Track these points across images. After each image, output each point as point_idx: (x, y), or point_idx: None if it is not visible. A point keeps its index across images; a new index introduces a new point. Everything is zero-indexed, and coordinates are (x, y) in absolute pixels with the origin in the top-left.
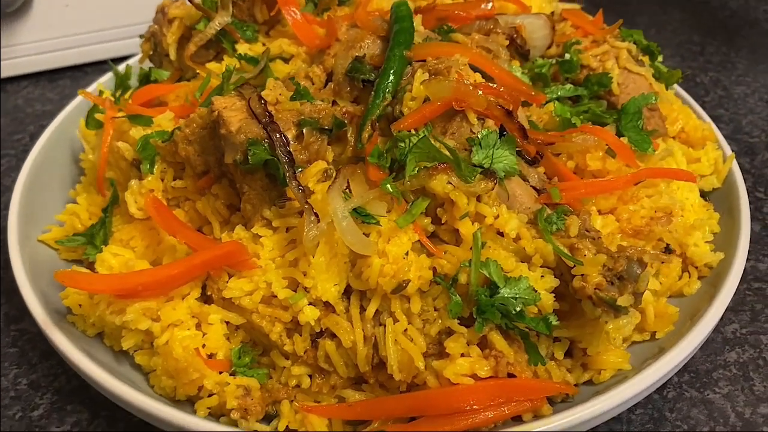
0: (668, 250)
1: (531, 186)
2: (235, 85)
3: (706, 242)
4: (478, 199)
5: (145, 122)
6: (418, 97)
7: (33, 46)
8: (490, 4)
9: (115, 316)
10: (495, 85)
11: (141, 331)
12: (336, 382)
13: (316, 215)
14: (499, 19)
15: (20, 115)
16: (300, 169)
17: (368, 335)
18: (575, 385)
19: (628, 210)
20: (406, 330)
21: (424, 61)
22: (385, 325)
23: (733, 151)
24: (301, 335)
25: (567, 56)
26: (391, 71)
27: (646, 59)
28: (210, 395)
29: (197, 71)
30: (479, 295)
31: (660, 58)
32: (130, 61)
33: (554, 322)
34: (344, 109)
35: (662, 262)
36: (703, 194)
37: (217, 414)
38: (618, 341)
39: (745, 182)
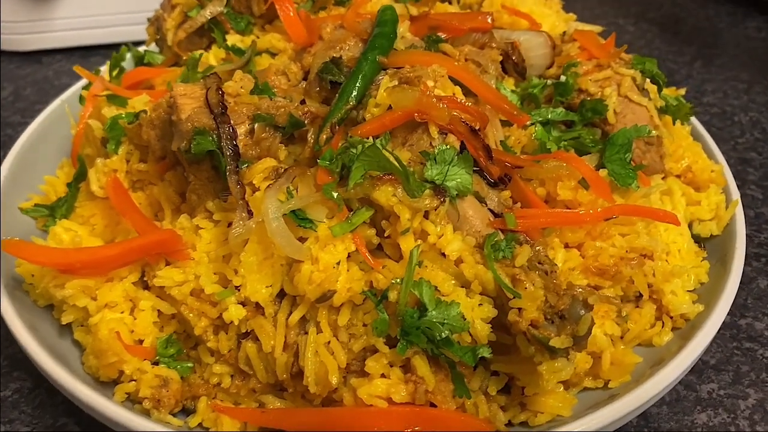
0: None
1: (489, 209)
2: (204, 74)
3: (689, 291)
4: (427, 215)
5: (119, 103)
6: (381, 105)
7: (69, 22)
8: (489, 18)
9: (57, 290)
10: (465, 101)
11: (79, 308)
12: (255, 386)
13: (250, 213)
14: (496, 34)
15: (47, 86)
16: (246, 165)
17: (290, 342)
18: (509, 424)
19: (594, 246)
20: (329, 342)
21: (402, 68)
22: (308, 334)
23: (753, 197)
24: (227, 333)
25: (563, 78)
26: (360, 75)
27: (653, 89)
28: (131, 381)
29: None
30: (405, 315)
31: (682, 92)
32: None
33: (486, 355)
34: (306, 109)
35: (619, 312)
36: (701, 240)
37: (135, 400)
38: (551, 384)
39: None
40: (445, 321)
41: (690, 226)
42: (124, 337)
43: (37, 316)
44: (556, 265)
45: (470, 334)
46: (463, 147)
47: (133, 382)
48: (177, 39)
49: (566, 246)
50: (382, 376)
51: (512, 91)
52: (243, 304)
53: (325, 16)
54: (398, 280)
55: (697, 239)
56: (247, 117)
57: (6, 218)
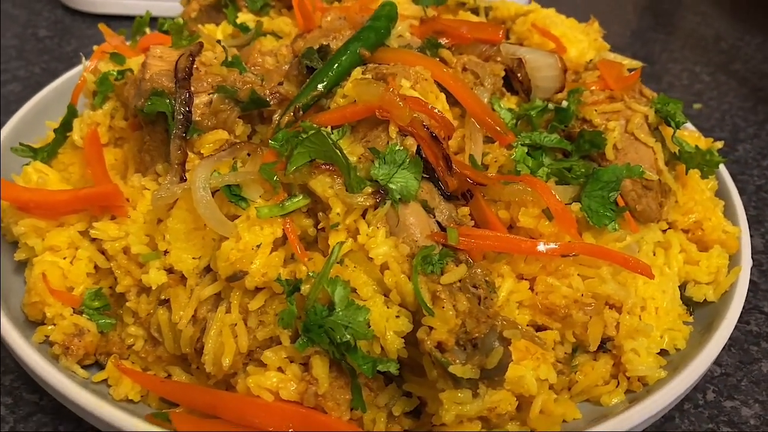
0: (603, 347)
1: (436, 221)
2: (189, 41)
3: (658, 355)
4: (365, 215)
5: (119, 61)
6: (349, 96)
7: None
8: (501, 32)
9: (14, 227)
10: (435, 107)
11: (29, 247)
12: (163, 354)
13: (183, 179)
14: (503, 48)
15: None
16: (197, 134)
17: (200, 317)
18: None
19: (546, 283)
20: (235, 325)
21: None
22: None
23: None
24: (148, 297)
25: (564, 104)
26: (335, 65)
27: (669, 132)
28: (53, 325)
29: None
30: (311, 311)
31: (718, 144)
32: None
33: (391, 370)
34: (275, 90)
35: (567, 360)
36: (692, 304)
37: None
38: (449, 415)
39: None
40: (350, 325)
41: (684, 287)
42: (55, 282)
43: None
44: (494, 293)
45: (381, 346)
46: (419, 152)
47: (52, 327)
48: (191, 10)
49: (521, 278)
50: (279, 369)
51: (509, 110)
52: (170, 271)
53: (333, 6)
54: (315, 274)
55: (689, 302)
56: (211, 87)
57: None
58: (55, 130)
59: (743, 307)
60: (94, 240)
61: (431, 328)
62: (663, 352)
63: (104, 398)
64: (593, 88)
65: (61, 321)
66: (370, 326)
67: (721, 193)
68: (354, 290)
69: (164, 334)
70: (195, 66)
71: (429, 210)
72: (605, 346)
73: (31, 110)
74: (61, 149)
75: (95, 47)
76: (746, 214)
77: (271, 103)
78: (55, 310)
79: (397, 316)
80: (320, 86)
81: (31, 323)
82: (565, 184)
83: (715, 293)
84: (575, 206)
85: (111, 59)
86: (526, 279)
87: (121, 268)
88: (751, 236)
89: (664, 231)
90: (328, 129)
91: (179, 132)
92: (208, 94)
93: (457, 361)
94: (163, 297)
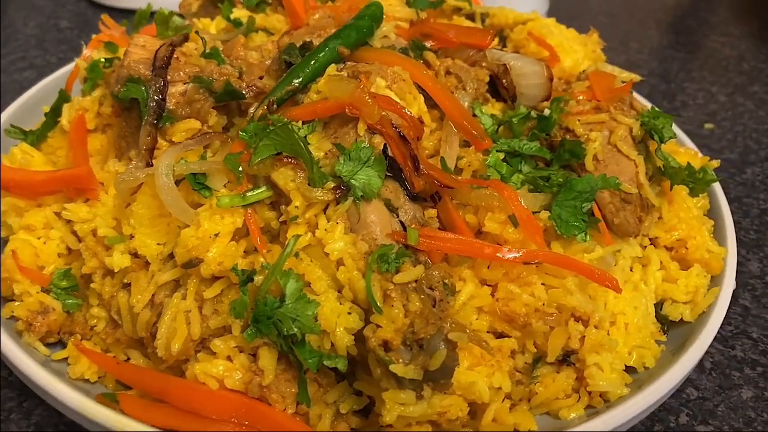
0: (566, 360)
1: (399, 221)
2: (175, 32)
3: (624, 372)
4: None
5: (111, 49)
6: (322, 92)
7: None
8: (489, 37)
9: None
10: (405, 108)
11: (8, 225)
12: (122, 337)
13: (149, 165)
14: (489, 54)
15: None
16: (171, 122)
17: (157, 302)
18: None
19: (507, 290)
20: (190, 312)
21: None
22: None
23: None
24: (112, 279)
25: (546, 112)
26: (312, 61)
27: (654, 146)
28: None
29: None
30: (261, 302)
31: (714, 164)
32: None
33: (339, 367)
34: (252, 84)
35: (530, 371)
36: (666, 322)
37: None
38: (391, 415)
39: None
40: (297, 318)
41: (661, 305)
42: (27, 261)
43: None
44: (452, 296)
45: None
46: (386, 151)
47: (19, 303)
48: (191, 3)
49: (484, 283)
50: (228, 358)
51: (492, 116)
52: (137, 255)
53: (324, 5)
54: (269, 265)
55: (664, 321)
56: (188, 77)
57: None
58: (45, 114)
59: (730, 332)
60: (69, 222)
61: (378, 326)
62: (631, 370)
63: (60, 377)
64: (580, 98)
65: (27, 298)
66: (317, 320)
67: (713, 212)
68: (309, 285)
69: (123, 317)
70: (175, 56)
71: (392, 209)
72: (569, 359)
73: (32, 96)
74: (51, 133)
75: (93, 36)
76: (747, 237)
77: (248, 95)
78: (23, 287)
79: (349, 313)
80: (296, 81)
81: (5, 300)
82: (539, 192)
83: (692, 313)
84: (544, 214)
85: (105, 48)
86: (489, 285)
87: (88, 249)
88: (748, 260)
89: (645, 247)
90: (299, 123)
91: (150, 119)
92: (184, 84)
93: (401, 360)
94: (125, 281)
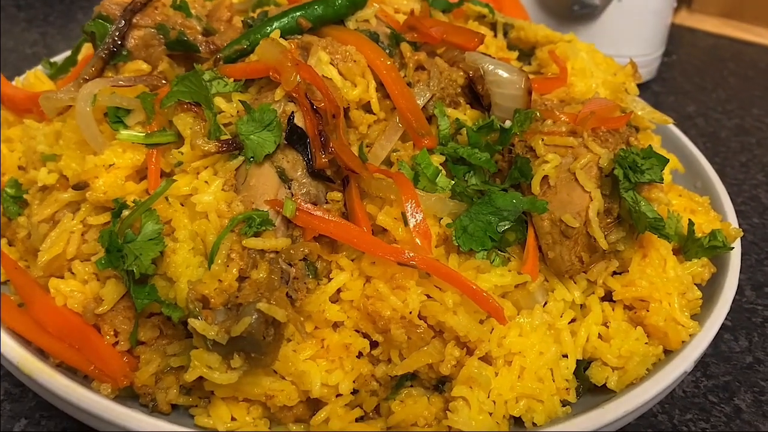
0: (439, 387)
1: (290, 193)
2: None
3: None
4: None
5: None
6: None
7: None
8: (477, 39)
9: None
10: (325, 81)
11: None
12: (30, 247)
13: None
14: (468, 56)
15: None
16: (123, 61)
17: (56, 220)
18: None
19: (375, 287)
20: (73, 232)
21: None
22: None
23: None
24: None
25: (507, 123)
26: (267, 27)
27: (626, 186)
28: None
29: None
30: (113, 234)
31: (734, 232)
32: None
33: (173, 317)
34: (211, 41)
35: (382, 386)
36: (583, 384)
37: None
38: (195, 373)
39: None
40: (140, 256)
41: (588, 365)
42: None
43: None
44: (313, 278)
45: None
46: (291, 120)
47: None
48: None
49: (368, 279)
50: (84, 282)
51: (456, 120)
52: (66, 177)
53: None
54: (140, 201)
55: (585, 381)
56: (154, 24)
57: None
58: (71, 53)
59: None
60: None
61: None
62: (518, 421)
63: None
64: (563, 118)
65: None
66: (155, 264)
67: (718, 280)
68: (168, 232)
69: (32, 228)
70: (154, 5)
71: (286, 180)
72: (442, 387)
73: None
74: (72, 69)
75: None
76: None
77: (203, 50)
78: None
79: (200, 268)
80: (245, 42)
81: None
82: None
83: (619, 382)
84: (446, 220)
85: None
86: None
87: (31, 163)
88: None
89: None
90: (228, 80)
91: (100, 52)
92: (147, 29)
93: (209, 319)
94: None
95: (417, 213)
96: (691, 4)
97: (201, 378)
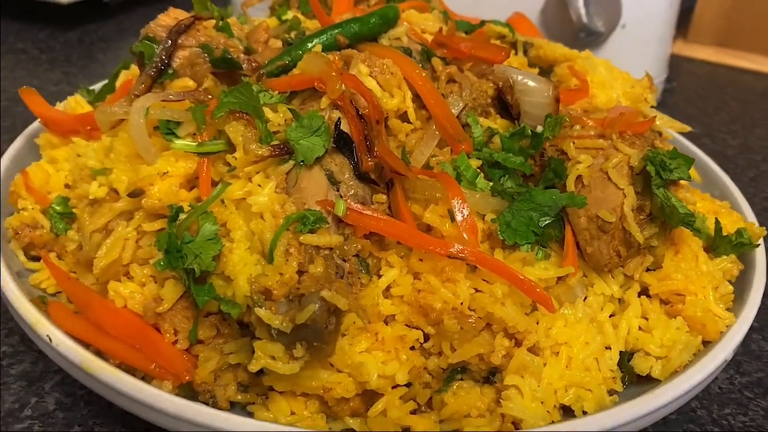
0: (489, 379)
1: (339, 195)
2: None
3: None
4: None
5: None
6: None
7: None
8: (504, 53)
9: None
10: (370, 90)
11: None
12: (81, 258)
13: None
14: (497, 68)
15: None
16: (170, 78)
17: (110, 229)
18: None
19: (427, 281)
20: (128, 239)
21: None
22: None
23: None
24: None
25: (539, 129)
26: (308, 43)
27: (657, 183)
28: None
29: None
30: (173, 235)
31: (760, 231)
32: None
33: (232, 314)
34: (253, 59)
35: (434, 378)
36: (629, 373)
37: None
38: (257, 365)
39: None
40: (200, 254)
41: (631, 356)
42: (37, 183)
43: None
44: (366, 274)
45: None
46: (338, 126)
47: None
48: (248, 3)
49: (416, 275)
50: (142, 284)
51: (488, 128)
52: (116, 191)
53: (354, 7)
54: (195, 205)
55: (629, 373)
56: (198, 44)
57: None
58: (109, 80)
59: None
60: None
61: (263, 277)
62: (568, 410)
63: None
64: (590, 123)
65: (24, 212)
66: (215, 261)
67: (746, 277)
68: (228, 233)
69: (83, 238)
70: (197, 28)
71: (334, 182)
72: (493, 378)
73: None
74: (110, 96)
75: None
76: None
77: (246, 68)
78: (26, 203)
79: (257, 265)
80: (287, 58)
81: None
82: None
83: (663, 371)
84: (489, 216)
85: None
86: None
87: (81, 180)
88: None
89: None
90: (274, 92)
91: (148, 70)
92: (192, 49)
93: (273, 309)
94: None
95: (464, 209)
96: (687, 34)
97: (258, 375)
